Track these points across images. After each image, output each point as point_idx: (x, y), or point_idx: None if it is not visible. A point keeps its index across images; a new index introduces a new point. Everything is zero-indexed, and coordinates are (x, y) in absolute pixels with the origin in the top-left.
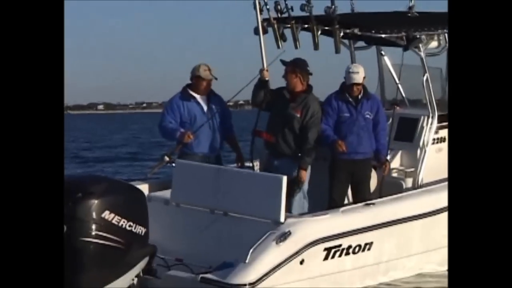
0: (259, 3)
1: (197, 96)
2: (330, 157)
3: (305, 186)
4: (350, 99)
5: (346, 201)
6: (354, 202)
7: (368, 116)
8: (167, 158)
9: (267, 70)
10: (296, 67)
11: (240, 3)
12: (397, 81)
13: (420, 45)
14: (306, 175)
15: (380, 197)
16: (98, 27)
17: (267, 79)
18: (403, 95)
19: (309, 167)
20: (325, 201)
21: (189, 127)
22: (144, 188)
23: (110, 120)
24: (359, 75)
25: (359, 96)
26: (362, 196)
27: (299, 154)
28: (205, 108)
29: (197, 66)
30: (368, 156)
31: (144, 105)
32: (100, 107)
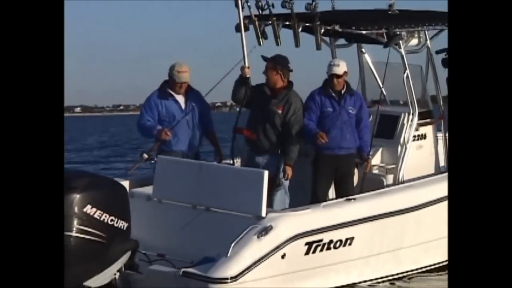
0: (241, 0)
1: (175, 95)
2: (313, 152)
3: (286, 182)
4: (333, 94)
5: (329, 196)
6: (337, 197)
7: (351, 111)
8: (145, 156)
9: (248, 67)
10: (277, 63)
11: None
12: (378, 79)
13: (401, 42)
14: (291, 172)
15: (361, 192)
16: (72, 27)
17: (248, 76)
18: (384, 92)
19: None
20: (306, 196)
21: (168, 125)
22: (126, 184)
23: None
24: (340, 68)
25: (342, 91)
26: (345, 192)
27: (284, 151)
28: (183, 105)
29: (172, 66)
30: (352, 151)
31: (121, 107)
32: (77, 109)
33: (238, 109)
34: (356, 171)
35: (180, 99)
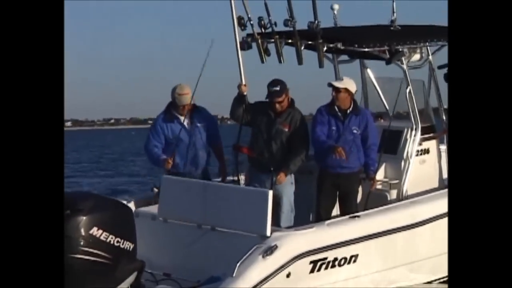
0: (238, 18)
1: (180, 117)
2: (317, 170)
3: (292, 199)
4: (339, 114)
5: (333, 214)
6: (341, 215)
7: (355, 131)
8: (155, 190)
9: (245, 85)
10: (285, 89)
11: (222, 18)
12: (380, 94)
13: (403, 58)
14: (284, 179)
15: (366, 210)
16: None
17: (245, 93)
18: (387, 107)
19: (293, 179)
20: (310, 214)
21: (175, 148)
22: (131, 204)
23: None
24: (340, 82)
25: (348, 111)
26: (349, 209)
27: (285, 162)
28: (188, 127)
29: (174, 89)
30: (355, 170)
31: (112, 121)
32: (68, 123)
33: (232, 123)
34: (360, 188)
35: (185, 120)
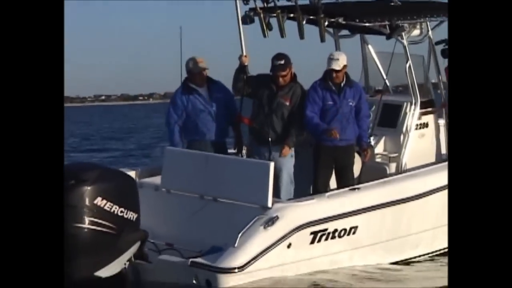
0: None
1: (198, 89)
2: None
3: (291, 171)
4: (333, 88)
5: (330, 187)
6: (338, 187)
7: (351, 103)
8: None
9: (245, 56)
10: (289, 63)
11: None
12: (381, 69)
13: (403, 33)
14: (288, 151)
15: (360, 182)
16: None
17: (246, 64)
18: (387, 82)
19: (293, 152)
20: (309, 186)
21: (195, 118)
22: (134, 174)
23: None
24: (338, 62)
25: (342, 84)
26: (345, 182)
27: (287, 136)
28: (207, 98)
29: (187, 61)
30: (351, 142)
31: (103, 97)
32: None
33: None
34: (357, 160)
35: (203, 92)
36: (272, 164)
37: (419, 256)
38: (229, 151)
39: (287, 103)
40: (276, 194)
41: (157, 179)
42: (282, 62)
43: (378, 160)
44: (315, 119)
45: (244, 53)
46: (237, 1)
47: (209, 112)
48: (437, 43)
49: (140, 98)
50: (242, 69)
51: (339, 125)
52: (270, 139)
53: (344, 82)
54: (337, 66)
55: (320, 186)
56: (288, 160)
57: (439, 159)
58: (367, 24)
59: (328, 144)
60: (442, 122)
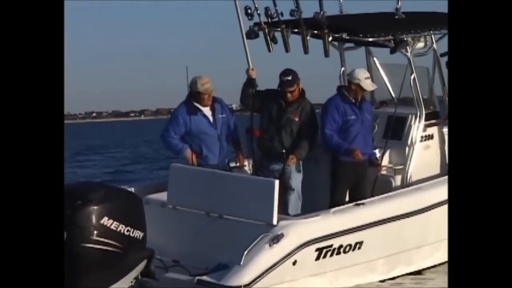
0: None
1: (203, 109)
2: (325, 158)
3: (299, 187)
4: (354, 101)
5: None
6: (353, 200)
7: (368, 116)
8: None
9: (252, 69)
10: (297, 79)
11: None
12: (386, 80)
13: (407, 47)
14: (295, 160)
15: (372, 196)
16: None
17: (253, 77)
18: (392, 94)
19: (301, 167)
20: (315, 201)
21: (199, 141)
22: (141, 190)
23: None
24: (368, 81)
25: (359, 98)
26: (363, 195)
27: (294, 150)
28: (211, 119)
29: (194, 81)
30: (367, 157)
31: (94, 114)
32: None
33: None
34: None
35: (207, 112)
36: (277, 182)
37: (426, 268)
38: (231, 164)
39: (297, 119)
40: (284, 210)
41: (163, 195)
42: (290, 78)
43: (383, 172)
44: (335, 138)
45: (251, 66)
46: (240, 17)
47: (213, 135)
48: (442, 55)
49: (132, 114)
50: (250, 82)
51: (362, 140)
52: (283, 152)
53: (360, 96)
54: (371, 87)
55: (340, 201)
56: (296, 175)
57: (444, 171)
58: (370, 39)
59: (350, 160)
60: (446, 132)
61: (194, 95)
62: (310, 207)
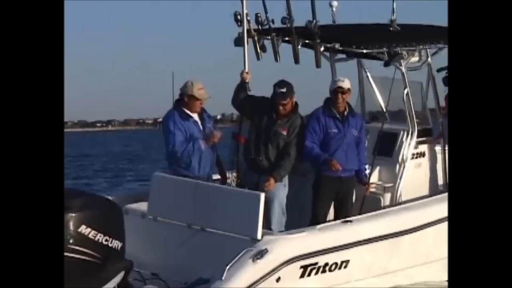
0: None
1: (193, 115)
2: (312, 173)
3: (284, 202)
4: (338, 115)
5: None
6: (336, 218)
7: (354, 133)
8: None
9: (247, 72)
10: (291, 93)
11: (218, 15)
12: (378, 94)
13: (401, 60)
14: (273, 185)
15: (360, 214)
16: None
17: (247, 80)
18: (384, 108)
19: (286, 181)
20: (303, 216)
21: (190, 148)
22: (120, 199)
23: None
24: (344, 83)
25: (345, 112)
26: (345, 214)
27: (276, 166)
28: (201, 127)
29: (190, 84)
30: (353, 173)
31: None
32: None
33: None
34: (354, 192)
35: (197, 119)
36: (263, 195)
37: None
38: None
39: (284, 133)
40: (267, 225)
41: (143, 205)
42: (284, 90)
43: (372, 190)
44: (315, 149)
45: (246, 70)
46: (245, 18)
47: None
48: (439, 70)
49: (98, 124)
50: (242, 85)
51: (343, 155)
52: (268, 166)
53: (347, 111)
54: (344, 84)
55: (320, 218)
56: (281, 190)
57: (435, 190)
58: (364, 51)
59: (331, 175)
60: (439, 150)
61: (187, 99)
62: (297, 223)
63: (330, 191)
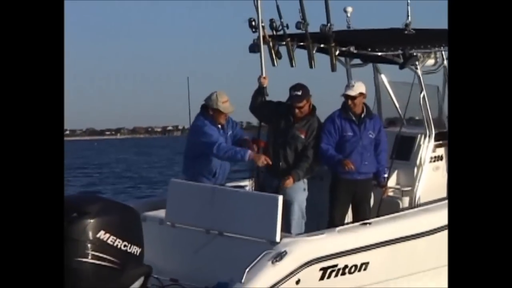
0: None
1: (218, 125)
2: (330, 176)
3: (303, 205)
4: (354, 118)
5: (345, 221)
6: (354, 221)
7: (371, 135)
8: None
9: (265, 77)
10: (307, 95)
11: (232, 22)
12: (394, 99)
13: (417, 63)
14: (291, 183)
15: (377, 217)
16: None
17: (265, 85)
18: (400, 113)
19: (306, 185)
20: (321, 220)
21: (212, 157)
22: (138, 207)
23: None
24: (353, 88)
25: (362, 115)
26: (362, 216)
27: (295, 168)
28: (223, 135)
29: (214, 98)
30: (370, 176)
31: (67, 132)
32: None
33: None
34: (372, 194)
35: (222, 129)
36: (280, 198)
37: None
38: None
39: (302, 136)
40: (287, 229)
41: (161, 213)
42: (299, 93)
43: (390, 194)
44: (330, 151)
45: (264, 75)
46: (260, 26)
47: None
48: None
49: (107, 133)
50: (260, 90)
51: (359, 157)
52: (286, 168)
53: (364, 113)
54: (351, 91)
55: (337, 220)
56: (300, 193)
57: None
58: (379, 53)
59: (347, 177)
60: None
61: (211, 111)
62: (315, 226)
63: (346, 194)
